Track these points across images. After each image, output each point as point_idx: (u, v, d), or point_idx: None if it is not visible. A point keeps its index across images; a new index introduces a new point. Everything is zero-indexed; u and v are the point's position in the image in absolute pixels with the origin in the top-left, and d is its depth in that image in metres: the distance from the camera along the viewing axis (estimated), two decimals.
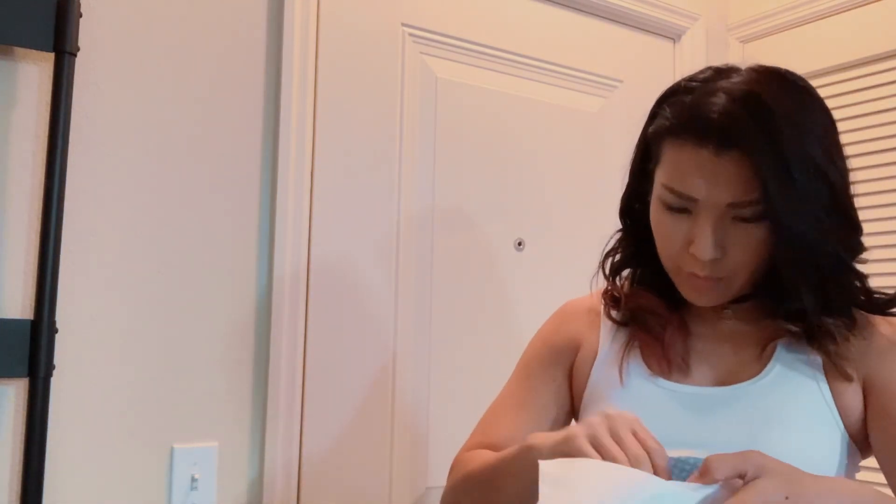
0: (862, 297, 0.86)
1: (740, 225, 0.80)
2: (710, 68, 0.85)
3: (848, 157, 0.85)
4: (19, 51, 1.13)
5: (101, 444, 1.17)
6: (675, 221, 0.83)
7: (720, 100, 0.78)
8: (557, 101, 1.69)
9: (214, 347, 1.27)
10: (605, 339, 0.96)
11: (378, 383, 1.42)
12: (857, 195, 0.86)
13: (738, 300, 0.89)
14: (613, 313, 0.96)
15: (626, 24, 1.83)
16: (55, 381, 1.12)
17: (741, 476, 0.65)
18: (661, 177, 0.84)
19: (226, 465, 1.27)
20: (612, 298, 0.97)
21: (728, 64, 0.85)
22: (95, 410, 1.16)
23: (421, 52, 1.53)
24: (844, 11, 1.77)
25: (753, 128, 0.76)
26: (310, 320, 1.34)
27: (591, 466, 0.68)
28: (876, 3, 1.72)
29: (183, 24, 1.27)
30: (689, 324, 0.93)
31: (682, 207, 0.82)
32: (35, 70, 1.14)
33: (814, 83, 0.84)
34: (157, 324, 1.22)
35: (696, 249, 0.81)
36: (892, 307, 0.87)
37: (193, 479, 1.22)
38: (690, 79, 0.85)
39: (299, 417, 1.32)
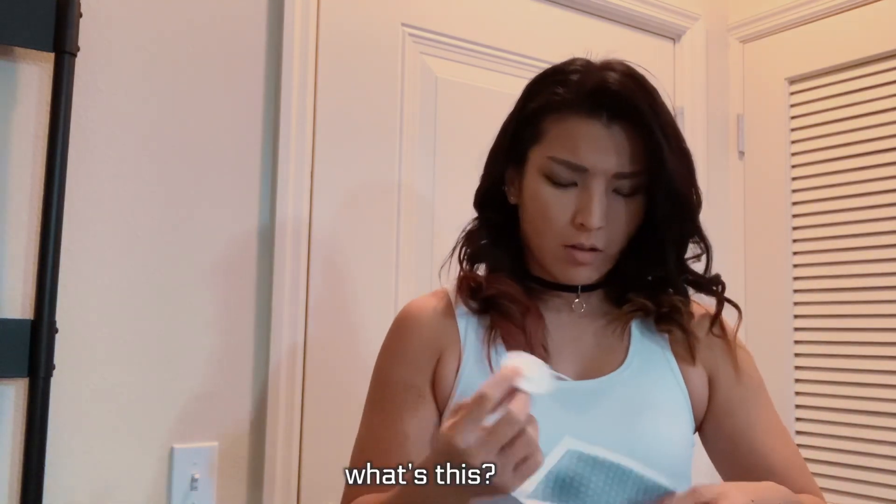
0: (691, 275, 0.93)
1: (618, 199, 0.85)
2: (578, 58, 0.89)
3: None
4: (19, 51, 1.13)
5: (101, 444, 1.17)
6: (561, 195, 0.85)
7: (615, 75, 0.84)
8: None
9: (215, 348, 1.27)
10: (466, 335, 0.91)
11: None
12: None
13: (590, 288, 0.93)
14: (471, 302, 0.92)
15: (626, 24, 1.83)
16: (55, 381, 1.12)
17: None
18: (545, 152, 0.86)
19: (226, 465, 1.27)
20: (469, 286, 0.93)
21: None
22: (95, 410, 1.16)
23: (421, 52, 1.53)
24: (844, 11, 1.77)
25: (642, 102, 0.83)
26: (310, 321, 1.34)
27: None
28: (876, 3, 1.72)
29: (183, 23, 1.27)
30: (545, 315, 0.92)
31: (569, 181, 0.85)
32: (35, 70, 1.14)
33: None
34: (157, 324, 1.22)
35: (585, 218, 0.83)
36: (715, 285, 0.93)
37: (193, 479, 1.22)
38: (567, 63, 0.89)
39: (299, 417, 1.32)
